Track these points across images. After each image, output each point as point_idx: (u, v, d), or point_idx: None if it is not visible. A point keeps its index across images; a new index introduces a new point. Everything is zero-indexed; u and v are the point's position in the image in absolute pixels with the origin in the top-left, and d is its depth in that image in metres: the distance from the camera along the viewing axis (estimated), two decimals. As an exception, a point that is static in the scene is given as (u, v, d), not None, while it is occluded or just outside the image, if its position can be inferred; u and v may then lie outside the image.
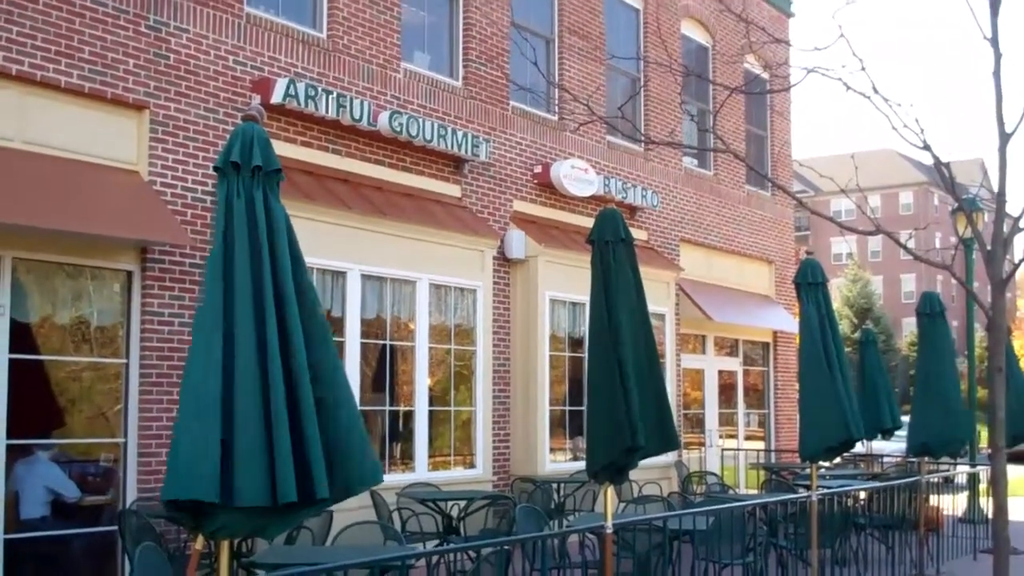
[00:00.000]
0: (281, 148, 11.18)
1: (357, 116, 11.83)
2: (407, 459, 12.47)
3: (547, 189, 14.96)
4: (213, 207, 10.17)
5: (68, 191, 9.32)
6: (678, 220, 17.85)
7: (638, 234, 15.89)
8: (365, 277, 11.92)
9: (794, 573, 9.96)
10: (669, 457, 14.98)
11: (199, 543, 4.81)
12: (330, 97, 11.57)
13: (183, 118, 10.46)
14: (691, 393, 18.44)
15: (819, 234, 75.14)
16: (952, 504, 14.25)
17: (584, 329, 13.62)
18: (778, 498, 10.45)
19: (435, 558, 9.21)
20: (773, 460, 18.91)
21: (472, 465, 13.18)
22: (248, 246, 4.53)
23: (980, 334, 32.39)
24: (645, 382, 6.48)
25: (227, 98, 10.88)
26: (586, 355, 7.34)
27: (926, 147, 7.30)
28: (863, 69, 7.24)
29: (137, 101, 10.08)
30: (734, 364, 19.77)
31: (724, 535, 8.91)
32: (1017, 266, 7.43)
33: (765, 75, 19.84)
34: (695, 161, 18.80)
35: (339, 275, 11.66)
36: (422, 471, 12.38)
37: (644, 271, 6.93)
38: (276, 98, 11.07)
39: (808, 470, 9.76)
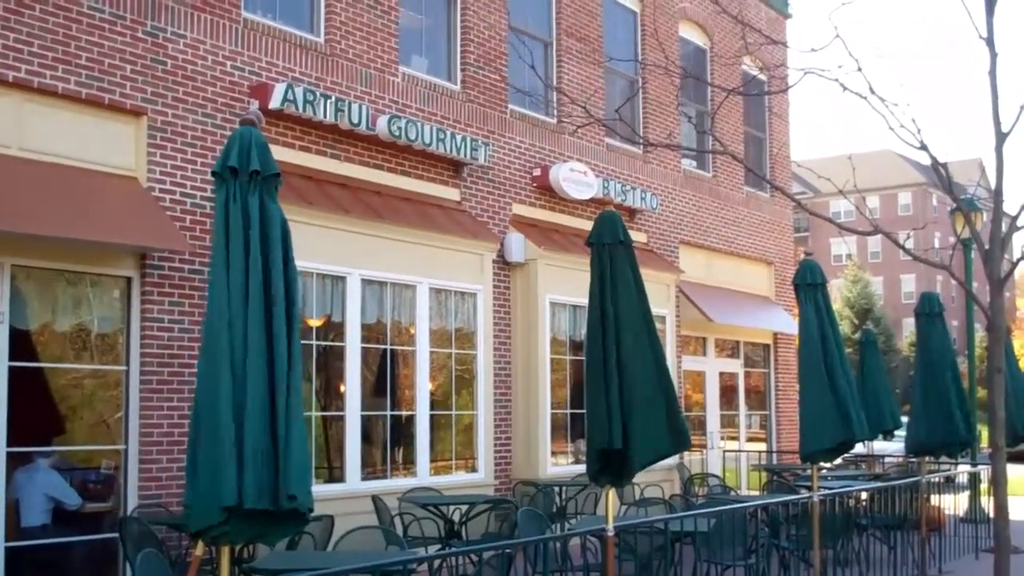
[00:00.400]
0: (280, 153, 11.17)
1: (356, 120, 11.83)
2: (408, 464, 12.46)
3: (546, 192, 14.96)
4: (213, 212, 10.16)
5: (66, 198, 9.32)
6: (677, 222, 17.85)
7: (637, 236, 15.89)
8: (365, 282, 11.91)
9: (796, 574, 9.96)
10: (671, 459, 14.96)
11: (200, 549, 4.81)
12: (328, 102, 11.57)
13: (181, 124, 10.46)
14: (692, 395, 18.43)
15: (818, 235, 75.14)
16: (954, 504, 14.25)
17: (584, 332, 13.61)
18: (780, 499, 10.46)
19: (437, 562, 9.22)
20: (775, 461, 18.91)
21: (474, 469, 13.17)
22: (243, 251, 4.54)
23: (980, 334, 32.38)
24: (651, 383, 6.44)
25: (225, 103, 10.89)
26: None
27: (923, 147, 7.31)
28: (859, 70, 7.26)
29: (135, 107, 10.08)
30: (735, 366, 19.76)
31: (726, 537, 8.91)
32: (1015, 265, 7.44)
33: (763, 77, 19.85)
34: (694, 163, 18.81)
35: (339, 280, 11.66)
36: (423, 475, 12.37)
37: (644, 273, 6.91)
38: (274, 103, 11.08)
39: (809, 471, 9.76)
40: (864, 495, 12.44)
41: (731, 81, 18.62)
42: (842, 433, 8.77)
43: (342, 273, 11.64)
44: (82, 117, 9.77)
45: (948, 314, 13.10)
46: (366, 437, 11.91)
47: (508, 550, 6.67)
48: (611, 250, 6.63)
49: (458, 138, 13.16)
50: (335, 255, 11.47)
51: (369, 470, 11.94)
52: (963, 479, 17.38)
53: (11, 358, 9.04)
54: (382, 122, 12.17)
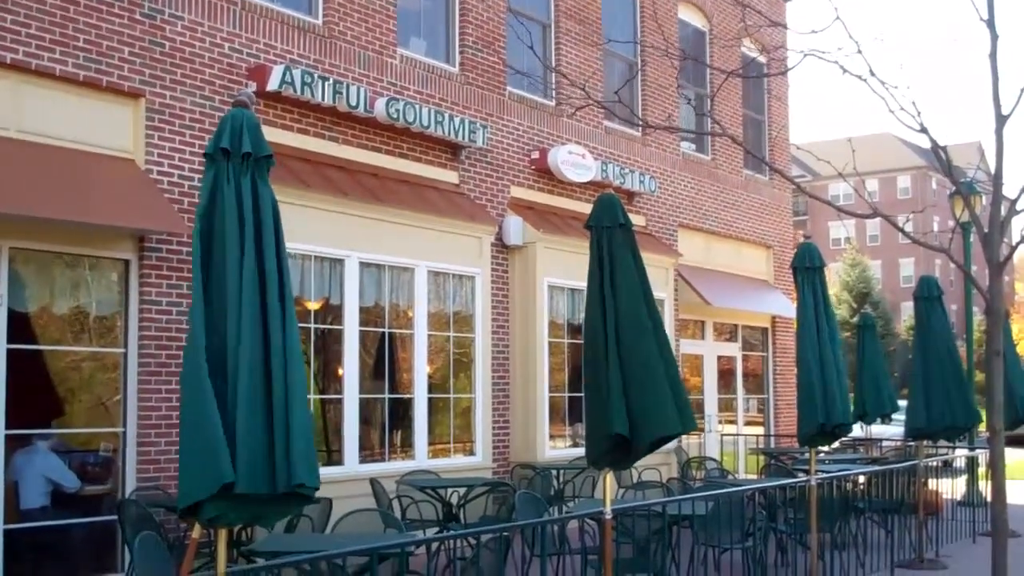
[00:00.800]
0: (278, 135, 11.16)
1: (354, 103, 11.80)
2: (407, 447, 12.48)
3: (545, 175, 14.94)
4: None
5: (64, 180, 9.30)
6: (676, 205, 17.83)
7: (636, 219, 15.87)
8: (363, 264, 11.90)
9: (793, 557, 9.98)
10: (669, 443, 14.99)
11: (197, 532, 4.82)
12: (326, 84, 11.53)
13: (179, 106, 10.43)
14: (690, 379, 18.44)
15: (817, 219, 75.07)
16: (951, 487, 14.28)
17: (583, 316, 13.61)
18: (777, 483, 10.46)
19: (435, 545, 9.22)
20: (772, 445, 18.94)
21: (472, 452, 13.19)
22: (237, 232, 4.53)
23: (979, 318, 32.40)
24: (654, 366, 6.40)
25: (223, 85, 10.85)
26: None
27: (923, 130, 7.29)
28: (859, 52, 7.22)
29: (132, 89, 10.05)
30: (733, 349, 19.78)
31: (723, 520, 8.92)
32: (1014, 249, 7.41)
33: (762, 59, 19.79)
34: (693, 146, 18.77)
35: (337, 263, 11.65)
36: (422, 459, 12.39)
37: (642, 257, 6.88)
38: (272, 85, 11.04)
39: (807, 455, 9.76)
40: (862, 479, 12.46)
41: (730, 63, 18.56)
42: (832, 417, 8.82)
43: (340, 256, 11.63)
44: (80, 99, 9.73)
45: (947, 298, 13.09)
46: (364, 420, 11.92)
47: (506, 533, 6.68)
48: (610, 233, 6.59)
49: (456, 120, 13.12)
50: (333, 238, 11.45)
51: (367, 453, 11.96)
52: (961, 463, 17.41)
53: (9, 341, 9.04)
54: (380, 104, 12.14)
